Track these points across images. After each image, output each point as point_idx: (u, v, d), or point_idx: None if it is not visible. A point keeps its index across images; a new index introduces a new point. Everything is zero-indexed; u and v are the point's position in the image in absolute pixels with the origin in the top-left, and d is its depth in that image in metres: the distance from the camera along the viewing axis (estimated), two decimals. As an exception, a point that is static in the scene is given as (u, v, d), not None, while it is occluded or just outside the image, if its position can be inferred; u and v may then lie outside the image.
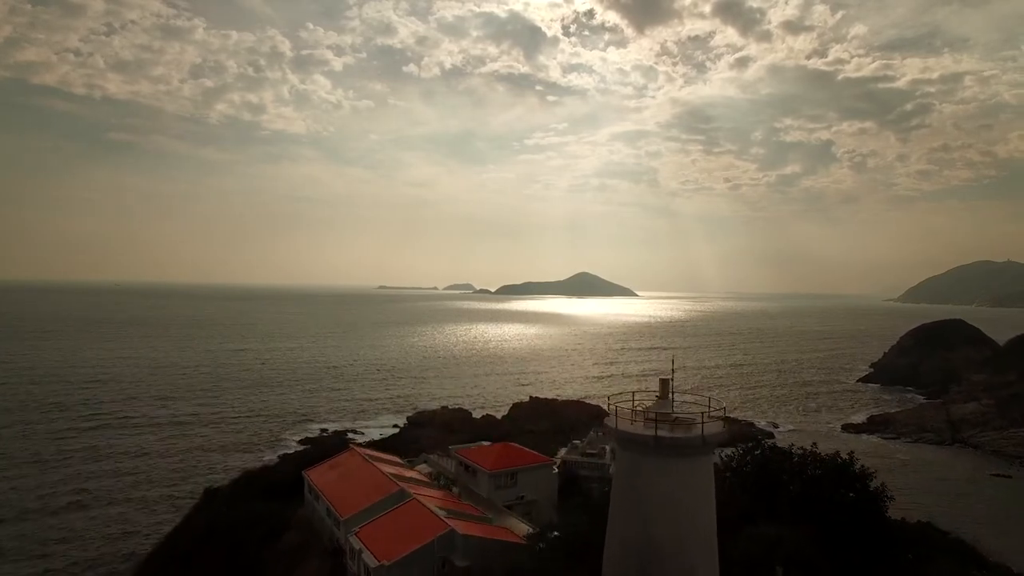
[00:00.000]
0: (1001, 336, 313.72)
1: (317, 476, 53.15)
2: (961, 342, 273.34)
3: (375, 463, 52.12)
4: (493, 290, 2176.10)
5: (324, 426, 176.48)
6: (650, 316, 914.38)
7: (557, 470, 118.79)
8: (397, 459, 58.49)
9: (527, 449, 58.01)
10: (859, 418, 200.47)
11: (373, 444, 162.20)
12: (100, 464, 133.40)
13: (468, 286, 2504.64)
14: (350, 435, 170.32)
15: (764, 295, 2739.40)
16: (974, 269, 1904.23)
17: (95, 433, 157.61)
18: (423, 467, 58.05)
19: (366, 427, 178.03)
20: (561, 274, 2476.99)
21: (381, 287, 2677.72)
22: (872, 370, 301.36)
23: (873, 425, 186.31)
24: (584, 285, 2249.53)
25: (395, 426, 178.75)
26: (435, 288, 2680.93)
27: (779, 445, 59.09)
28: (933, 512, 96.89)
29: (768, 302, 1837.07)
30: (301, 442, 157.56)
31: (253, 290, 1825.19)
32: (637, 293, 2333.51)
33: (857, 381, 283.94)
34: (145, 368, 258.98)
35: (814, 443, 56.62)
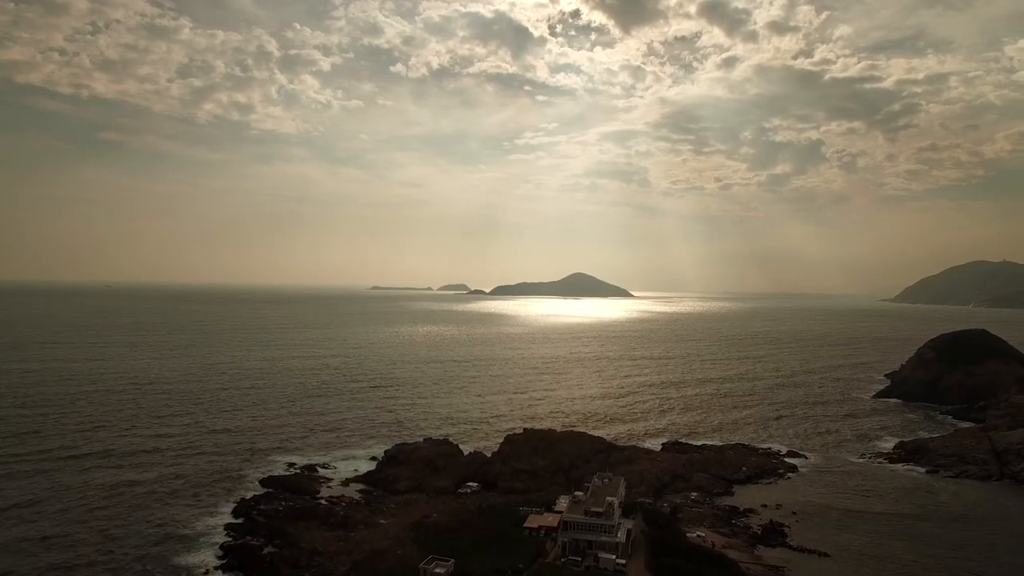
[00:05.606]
0: (1015, 340, 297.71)
1: None
2: (986, 355, 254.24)
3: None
4: (488, 291, 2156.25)
5: (293, 459, 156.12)
6: (648, 319, 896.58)
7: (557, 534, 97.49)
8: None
9: None
10: (887, 444, 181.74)
11: (344, 483, 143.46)
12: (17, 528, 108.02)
13: (463, 286, 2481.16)
14: (320, 469, 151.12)
15: (757, 295, 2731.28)
16: (970, 269, 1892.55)
17: (28, 483, 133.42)
18: None
19: (339, 460, 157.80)
20: (556, 274, 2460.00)
21: (375, 287, 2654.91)
22: (889, 383, 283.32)
23: (905, 454, 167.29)
24: (579, 285, 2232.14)
25: (372, 458, 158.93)
26: (429, 288, 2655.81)
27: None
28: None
29: (762, 302, 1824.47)
30: (263, 482, 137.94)
31: (247, 291, 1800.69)
32: (632, 293, 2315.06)
33: (874, 396, 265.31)
34: (114, 385, 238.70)
35: None
